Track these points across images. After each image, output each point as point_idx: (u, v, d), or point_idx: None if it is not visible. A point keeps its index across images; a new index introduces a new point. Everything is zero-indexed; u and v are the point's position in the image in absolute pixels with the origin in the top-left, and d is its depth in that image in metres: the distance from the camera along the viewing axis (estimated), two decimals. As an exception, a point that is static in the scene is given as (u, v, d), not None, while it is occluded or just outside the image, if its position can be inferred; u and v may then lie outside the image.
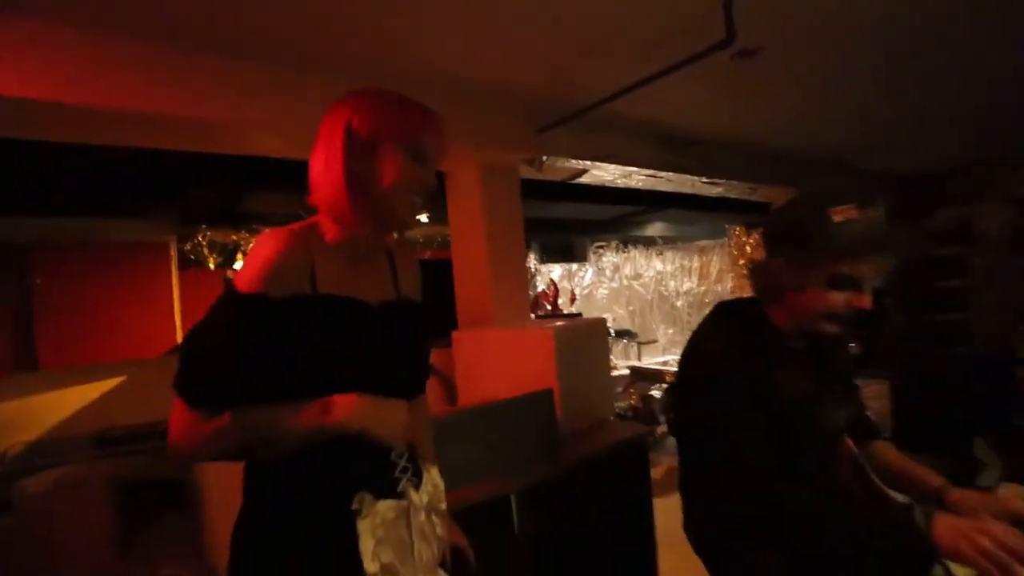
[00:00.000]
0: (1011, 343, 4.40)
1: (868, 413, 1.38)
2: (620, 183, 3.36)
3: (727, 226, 6.07)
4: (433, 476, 1.04)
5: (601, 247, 7.38)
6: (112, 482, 2.32)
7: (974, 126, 3.42)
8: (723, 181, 3.61)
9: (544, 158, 2.70)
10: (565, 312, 5.73)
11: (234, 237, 5.48)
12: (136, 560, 2.68)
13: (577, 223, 6.47)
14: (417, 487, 0.98)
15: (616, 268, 7.46)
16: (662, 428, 4.82)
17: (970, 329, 4.60)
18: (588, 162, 2.88)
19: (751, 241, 5.61)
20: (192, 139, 2.18)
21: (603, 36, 1.95)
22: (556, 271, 6.83)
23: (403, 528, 0.93)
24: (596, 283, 7.33)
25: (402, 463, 0.97)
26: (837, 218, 1.08)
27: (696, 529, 1.33)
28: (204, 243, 5.31)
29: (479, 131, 2.43)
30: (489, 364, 2.21)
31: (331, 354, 0.89)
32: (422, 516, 0.97)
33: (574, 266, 7.16)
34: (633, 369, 5.52)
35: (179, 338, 4.71)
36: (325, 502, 0.90)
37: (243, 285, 0.85)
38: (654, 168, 3.15)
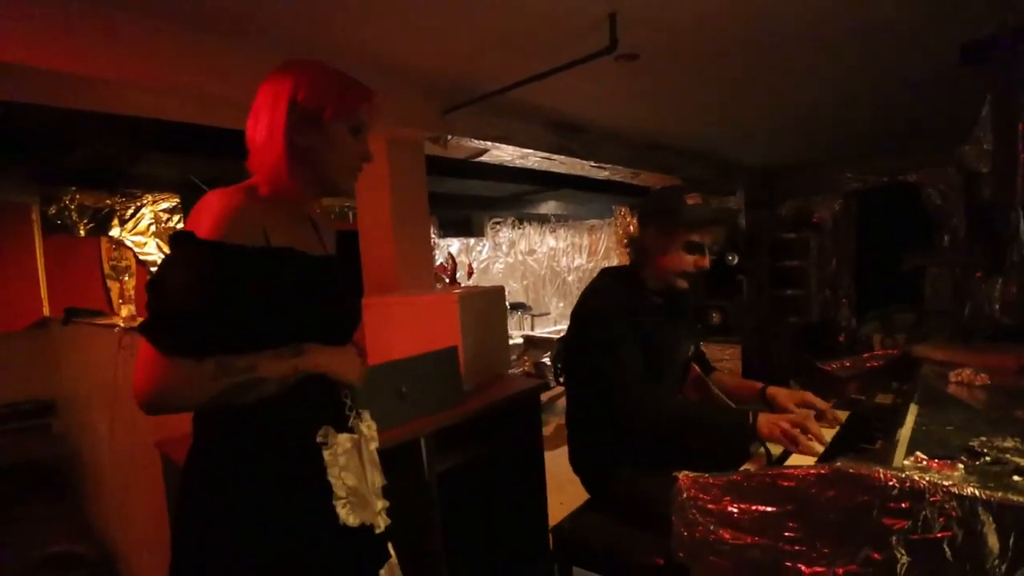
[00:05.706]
0: (835, 313, 5.35)
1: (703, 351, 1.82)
2: (518, 163, 3.62)
3: (613, 206, 6.53)
4: (366, 417, 1.14)
5: (498, 223, 7.61)
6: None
7: (813, 128, 4.07)
8: (609, 166, 4.00)
9: (448, 137, 2.87)
10: (463, 285, 5.95)
11: (108, 201, 5.07)
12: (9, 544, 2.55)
13: (475, 199, 6.59)
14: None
15: (512, 244, 7.73)
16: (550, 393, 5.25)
17: (807, 302, 5.47)
18: (489, 143, 3.09)
19: (635, 221, 6.13)
20: (68, 94, 2.04)
21: (509, 33, 2.17)
22: (454, 245, 6.98)
23: (356, 457, 1.04)
24: (492, 258, 7.59)
25: (348, 403, 1.07)
26: (690, 201, 1.50)
27: (582, 457, 1.66)
28: (72, 207, 4.87)
29: (389, 107, 2.55)
30: (397, 328, 2.38)
31: (291, 304, 0.95)
32: (372, 446, 1.09)
33: (471, 240, 7.37)
34: (526, 338, 5.90)
35: (46, 310, 4.31)
36: (294, 435, 0.97)
37: (204, 233, 0.86)
38: (546, 151, 3.44)
